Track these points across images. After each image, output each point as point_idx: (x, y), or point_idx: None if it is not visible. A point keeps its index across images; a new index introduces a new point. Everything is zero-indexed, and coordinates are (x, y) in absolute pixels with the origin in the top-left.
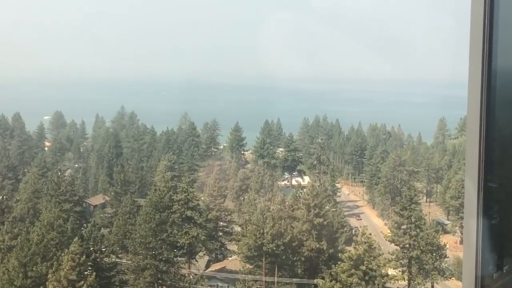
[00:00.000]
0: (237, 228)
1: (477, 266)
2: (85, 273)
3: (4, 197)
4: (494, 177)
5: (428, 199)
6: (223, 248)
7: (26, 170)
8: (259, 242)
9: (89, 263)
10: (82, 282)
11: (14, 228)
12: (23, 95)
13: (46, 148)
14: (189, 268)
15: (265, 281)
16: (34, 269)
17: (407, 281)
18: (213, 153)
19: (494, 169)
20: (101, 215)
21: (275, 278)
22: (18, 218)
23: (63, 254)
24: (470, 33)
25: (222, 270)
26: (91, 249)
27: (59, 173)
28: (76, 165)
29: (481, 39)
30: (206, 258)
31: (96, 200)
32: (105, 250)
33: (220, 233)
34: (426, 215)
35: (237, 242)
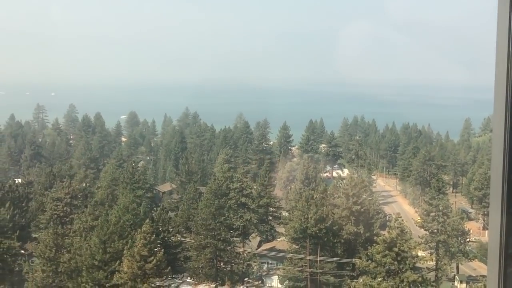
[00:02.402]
0: (285, 213)
1: (500, 253)
2: (155, 249)
3: (87, 184)
4: None
5: (454, 190)
6: (272, 230)
7: (105, 162)
8: (304, 226)
9: (158, 241)
10: (152, 257)
11: (96, 211)
12: (103, 98)
13: (122, 143)
14: (243, 247)
15: (309, 260)
16: (112, 245)
17: (435, 262)
18: (264, 148)
19: None
20: (169, 200)
21: (318, 257)
22: (99, 202)
23: (136, 233)
24: (496, 42)
25: (271, 249)
26: (160, 229)
27: (134, 164)
28: (148, 158)
29: (506, 45)
30: (258, 238)
31: (164, 187)
32: (172, 230)
33: (270, 217)
34: (452, 204)
35: (285, 225)
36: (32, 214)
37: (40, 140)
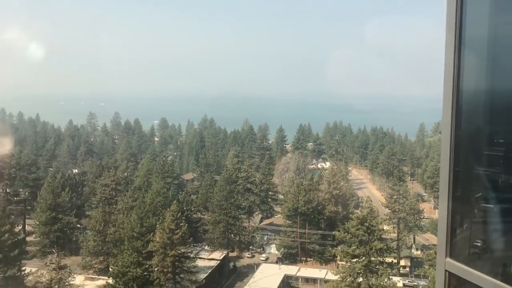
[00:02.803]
0: (281, 196)
1: (447, 227)
2: (181, 224)
3: (128, 174)
4: (461, 163)
5: (411, 178)
6: (271, 209)
7: (142, 156)
8: (295, 206)
9: (183, 218)
10: (179, 230)
11: (135, 194)
12: (141, 107)
13: (155, 142)
14: (249, 222)
15: (299, 232)
16: (147, 221)
17: (396, 234)
18: (265, 146)
19: (460, 158)
20: (191, 186)
21: (306, 230)
22: (137, 188)
23: (166, 211)
24: (444, 60)
25: (270, 224)
26: (184, 208)
27: (164, 158)
28: (175, 153)
29: (452, 64)
30: (260, 216)
31: (188, 176)
32: (193, 209)
33: (269, 199)
34: (410, 189)
35: (281, 206)
36: (86, 197)
37: (92, 139)
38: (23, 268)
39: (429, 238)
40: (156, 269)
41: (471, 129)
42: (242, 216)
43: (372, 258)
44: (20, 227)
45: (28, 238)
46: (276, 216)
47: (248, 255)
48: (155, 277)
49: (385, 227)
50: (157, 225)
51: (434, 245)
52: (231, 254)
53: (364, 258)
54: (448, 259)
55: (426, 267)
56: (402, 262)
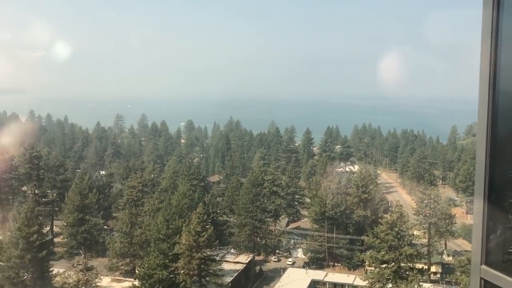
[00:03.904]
0: (307, 200)
1: (483, 232)
2: (206, 226)
3: (155, 175)
4: (496, 166)
5: (443, 182)
6: (298, 213)
7: (168, 158)
8: (323, 210)
9: (209, 220)
10: (204, 232)
11: (161, 196)
12: (167, 109)
13: (181, 144)
14: (275, 226)
15: (327, 236)
16: (173, 223)
17: (427, 239)
18: (291, 148)
19: (496, 161)
20: (217, 188)
21: (334, 234)
22: (163, 190)
23: (192, 213)
24: (480, 60)
25: (297, 228)
26: (210, 210)
27: (190, 160)
28: (201, 155)
29: (488, 64)
30: (286, 219)
31: (214, 178)
32: (219, 212)
33: (296, 203)
34: (441, 193)
35: (308, 209)
36: (113, 198)
37: (119, 141)
38: (51, 269)
39: (461, 244)
40: (182, 271)
41: (508, 131)
42: (268, 219)
43: (402, 264)
44: (48, 228)
45: (55, 239)
46: (303, 220)
47: (274, 259)
48: (181, 280)
49: (416, 232)
50: (183, 227)
51: (467, 251)
52: (257, 258)
53: (393, 263)
54: (483, 266)
55: (458, 273)
56: (433, 269)
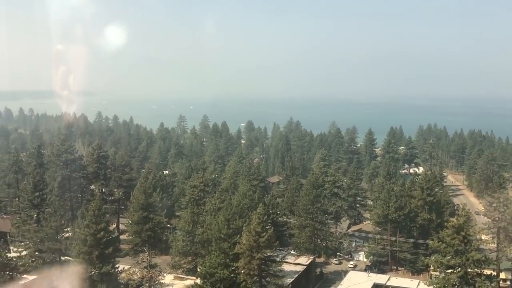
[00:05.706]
0: (370, 202)
1: None
2: (267, 227)
3: (216, 175)
4: None
5: None
6: (359, 215)
7: (229, 159)
8: (386, 212)
9: (269, 221)
10: (265, 233)
11: (222, 196)
12: (228, 111)
13: (242, 145)
14: (336, 228)
15: (390, 240)
16: (234, 223)
17: (496, 244)
18: (353, 149)
19: None
20: (277, 189)
21: (397, 238)
22: (224, 189)
23: (252, 214)
24: None
25: (359, 230)
26: (270, 211)
27: (250, 161)
28: (261, 156)
29: None
30: (348, 221)
31: (273, 179)
32: (279, 213)
33: (358, 205)
34: (511, 196)
35: (370, 212)
36: (176, 197)
37: (181, 142)
38: (117, 266)
39: None
40: (242, 271)
41: None
42: (329, 221)
43: (469, 270)
44: (114, 226)
45: (121, 237)
46: (364, 223)
47: (335, 262)
48: (241, 280)
49: (484, 237)
50: (244, 227)
51: None
52: (317, 260)
53: (460, 269)
54: None
55: None
56: (502, 275)
